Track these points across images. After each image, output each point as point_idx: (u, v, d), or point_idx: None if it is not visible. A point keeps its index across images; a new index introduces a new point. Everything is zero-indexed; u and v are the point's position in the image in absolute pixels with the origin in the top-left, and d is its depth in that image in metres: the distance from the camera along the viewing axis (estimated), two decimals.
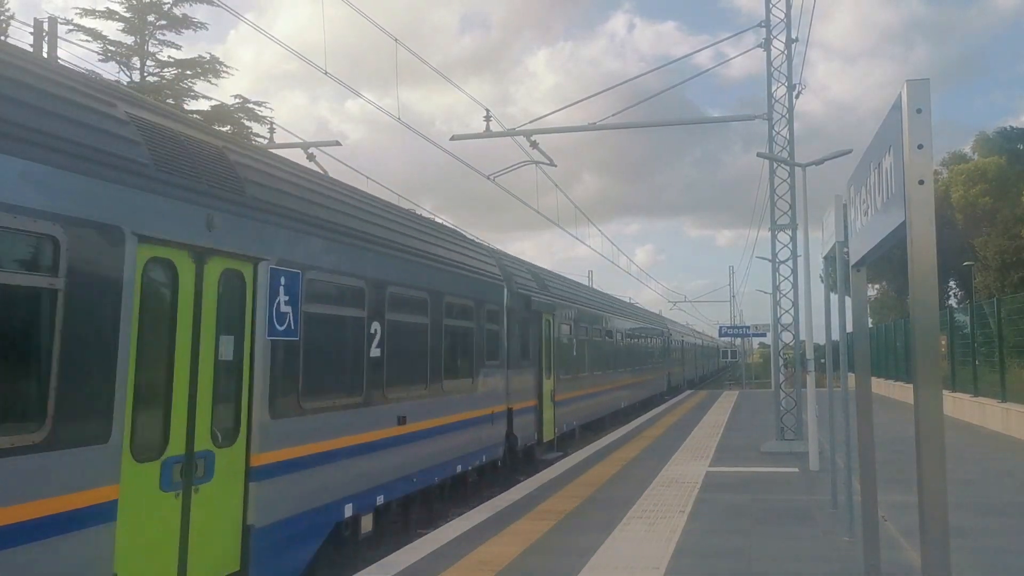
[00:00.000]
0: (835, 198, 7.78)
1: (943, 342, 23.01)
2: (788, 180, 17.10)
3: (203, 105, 30.06)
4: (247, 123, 30.78)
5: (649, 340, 34.11)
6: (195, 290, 6.33)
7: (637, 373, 30.25)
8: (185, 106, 29.27)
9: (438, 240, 11.90)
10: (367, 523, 8.92)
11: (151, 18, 29.31)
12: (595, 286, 46.16)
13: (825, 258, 8.88)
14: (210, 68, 30.01)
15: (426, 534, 9.06)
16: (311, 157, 17.83)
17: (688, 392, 41.44)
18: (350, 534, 8.59)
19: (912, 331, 3.43)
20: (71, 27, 27.56)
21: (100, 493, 5.29)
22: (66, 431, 5.05)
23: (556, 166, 19.00)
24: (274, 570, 7.08)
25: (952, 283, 58.34)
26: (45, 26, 18.24)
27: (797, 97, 17.36)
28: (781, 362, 17.72)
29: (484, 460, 12.99)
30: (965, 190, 54.29)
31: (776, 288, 17.30)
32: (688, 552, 7.99)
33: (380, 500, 9.18)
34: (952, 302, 54.82)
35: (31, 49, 18.11)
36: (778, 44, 17.33)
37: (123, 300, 5.54)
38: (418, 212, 14.96)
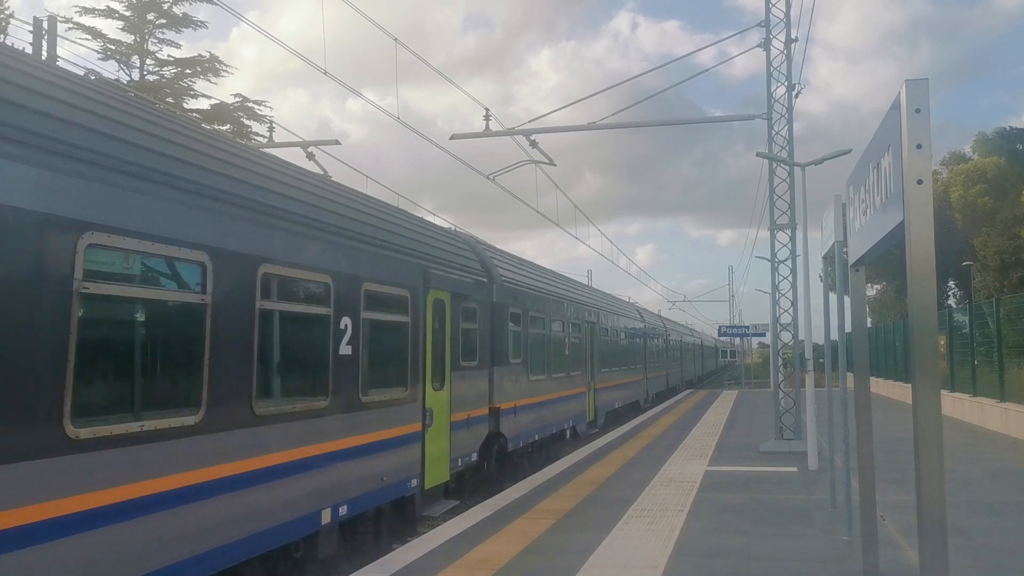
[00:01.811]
0: (834, 198, 7.79)
1: (942, 342, 23.02)
2: (788, 180, 17.11)
3: (203, 104, 30.08)
4: (247, 122, 30.75)
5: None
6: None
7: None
8: (185, 105, 29.24)
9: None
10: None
11: (151, 17, 29.28)
12: (595, 286, 41.94)
13: (824, 258, 8.89)
14: (210, 67, 29.98)
15: (425, 533, 9.07)
16: (311, 156, 17.78)
17: (687, 391, 41.44)
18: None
19: (911, 331, 3.44)
20: (71, 25, 27.56)
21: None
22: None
23: (556, 165, 18.99)
24: None
25: (951, 283, 58.35)
26: (45, 24, 18.23)
27: (797, 97, 17.37)
28: (780, 362, 17.72)
29: None
30: (964, 190, 54.30)
31: (775, 288, 17.31)
32: (687, 551, 8.00)
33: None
34: (951, 302, 54.82)
35: (30, 47, 18.10)
36: (778, 44, 17.34)
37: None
38: (418, 212, 16.00)
